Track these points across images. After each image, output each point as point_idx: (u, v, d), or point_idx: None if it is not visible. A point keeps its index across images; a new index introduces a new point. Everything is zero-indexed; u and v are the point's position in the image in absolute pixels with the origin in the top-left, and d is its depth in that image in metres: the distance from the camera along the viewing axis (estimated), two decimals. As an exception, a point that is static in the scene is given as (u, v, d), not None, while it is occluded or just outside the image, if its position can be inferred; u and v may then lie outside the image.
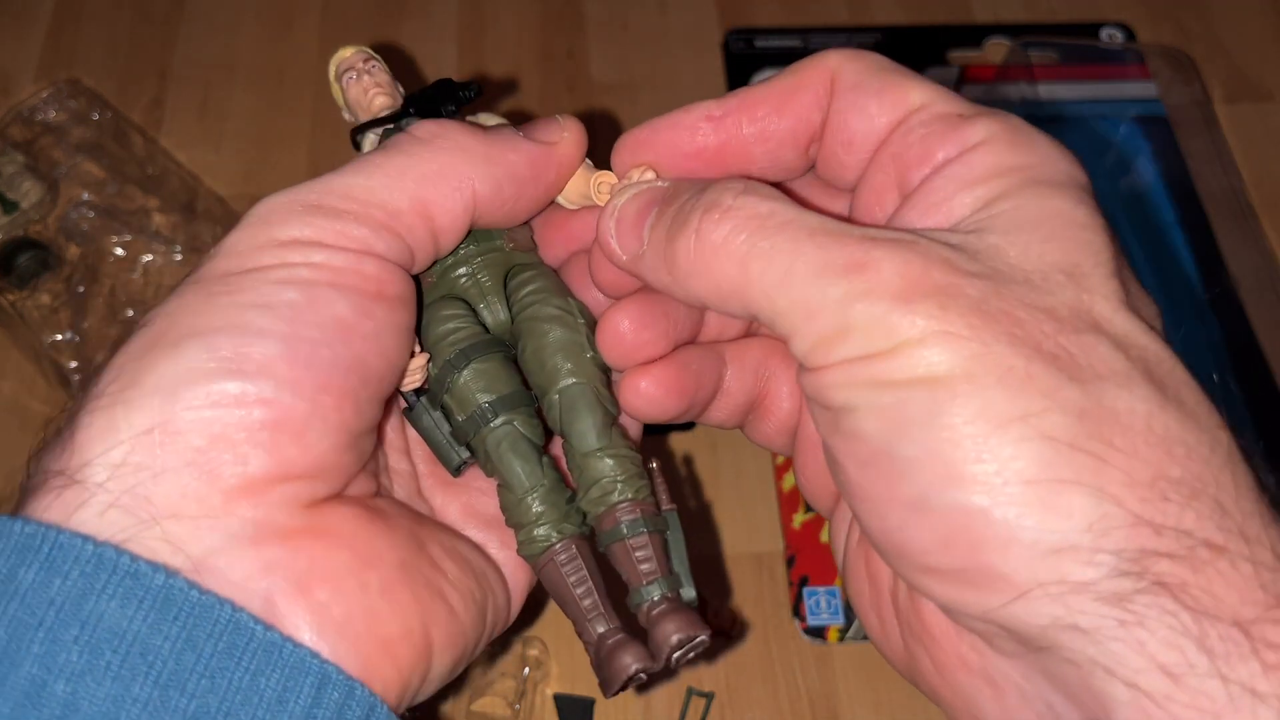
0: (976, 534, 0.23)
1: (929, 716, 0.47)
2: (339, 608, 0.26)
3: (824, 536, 0.51)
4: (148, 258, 0.55)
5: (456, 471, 0.33)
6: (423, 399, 0.32)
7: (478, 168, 0.30)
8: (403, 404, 0.33)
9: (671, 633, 0.29)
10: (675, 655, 0.29)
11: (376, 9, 0.68)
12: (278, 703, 0.25)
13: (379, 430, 0.31)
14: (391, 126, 0.33)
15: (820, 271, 0.25)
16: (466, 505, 0.34)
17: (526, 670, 0.47)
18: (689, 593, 0.30)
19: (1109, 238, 0.26)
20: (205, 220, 0.56)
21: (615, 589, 0.31)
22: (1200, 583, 0.22)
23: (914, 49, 0.65)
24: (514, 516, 0.31)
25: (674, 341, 0.31)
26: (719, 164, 0.30)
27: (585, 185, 0.32)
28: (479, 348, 0.31)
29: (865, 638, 0.48)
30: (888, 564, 0.27)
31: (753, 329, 0.33)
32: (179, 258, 0.55)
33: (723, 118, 0.30)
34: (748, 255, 0.26)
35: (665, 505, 0.31)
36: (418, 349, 0.31)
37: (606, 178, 0.31)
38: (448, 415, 0.32)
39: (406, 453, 0.34)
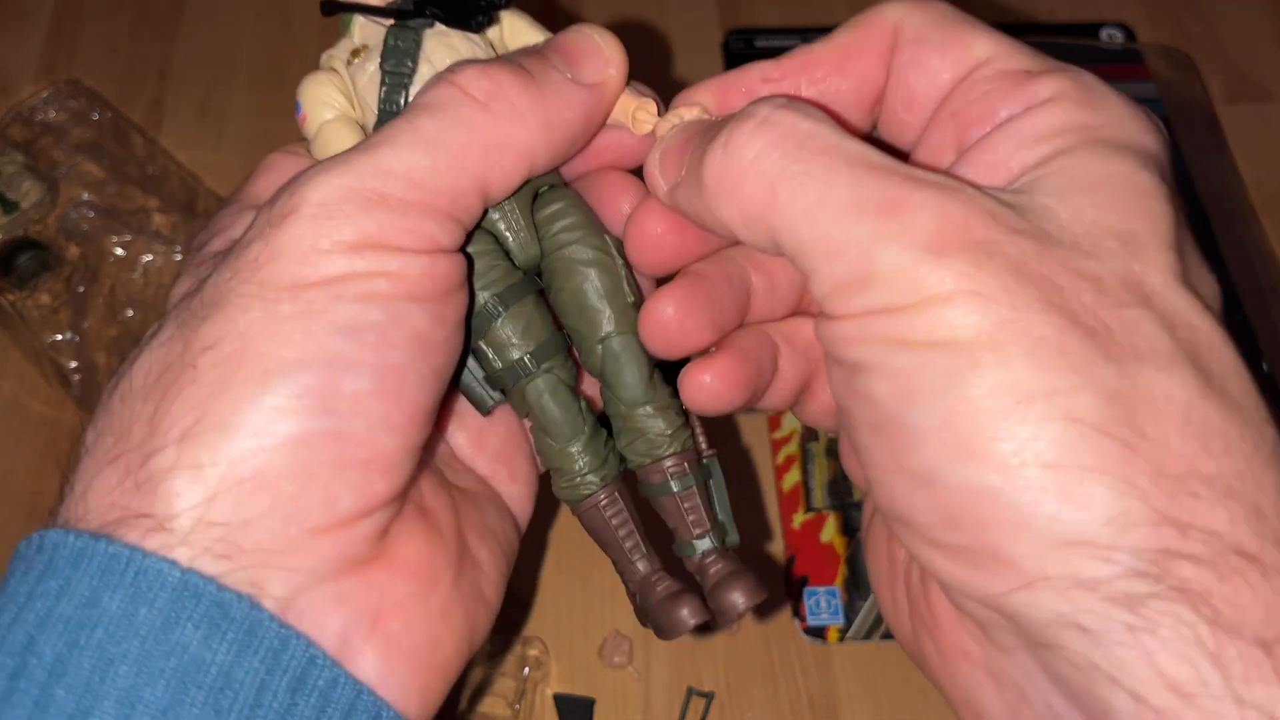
0: (986, 515, 0.22)
1: (929, 717, 0.47)
2: (408, 639, 0.26)
3: (824, 536, 0.51)
4: (148, 258, 0.55)
5: (488, 413, 0.32)
6: None
7: (538, 138, 0.28)
8: None
9: (739, 600, 0.30)
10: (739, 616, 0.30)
11: (376, 9, 0.67)
12: None
13: None
14: (381, 44, 0.30)
15: (852, 206, 0.23)
16: (475, 436, 0.33)
17: (526, 670, 0.47)
18: (733, 538, 0.31)
19: (1172, 207, 0.24)
20: (205, 220, 0.56)
21: (649, 522, 0.32)
22: (1225, 592, 0.20)
23: (914, 49, 0.65)
24: (554, 461, 0.31)
25: (721, 329, 0.30)
26: None
27: (624, 107, 0.30)
28: (513, 291, 0.30)
29: (865, 638, 0.48)
30: (895, 533, 0.25)
31: (801, 307, 0.31)
32: (179, 258, 0.55)
33: (780, 79, 0.28)
34: (778, 177, 0.24)
35: (706, 452, 0.32)
36: None
37: (647, 107, 0.30)
38: (480, 360, 0.31)
39: None
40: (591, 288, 0.30)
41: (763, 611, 0.49)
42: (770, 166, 0.24)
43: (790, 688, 0.47)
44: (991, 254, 0.22)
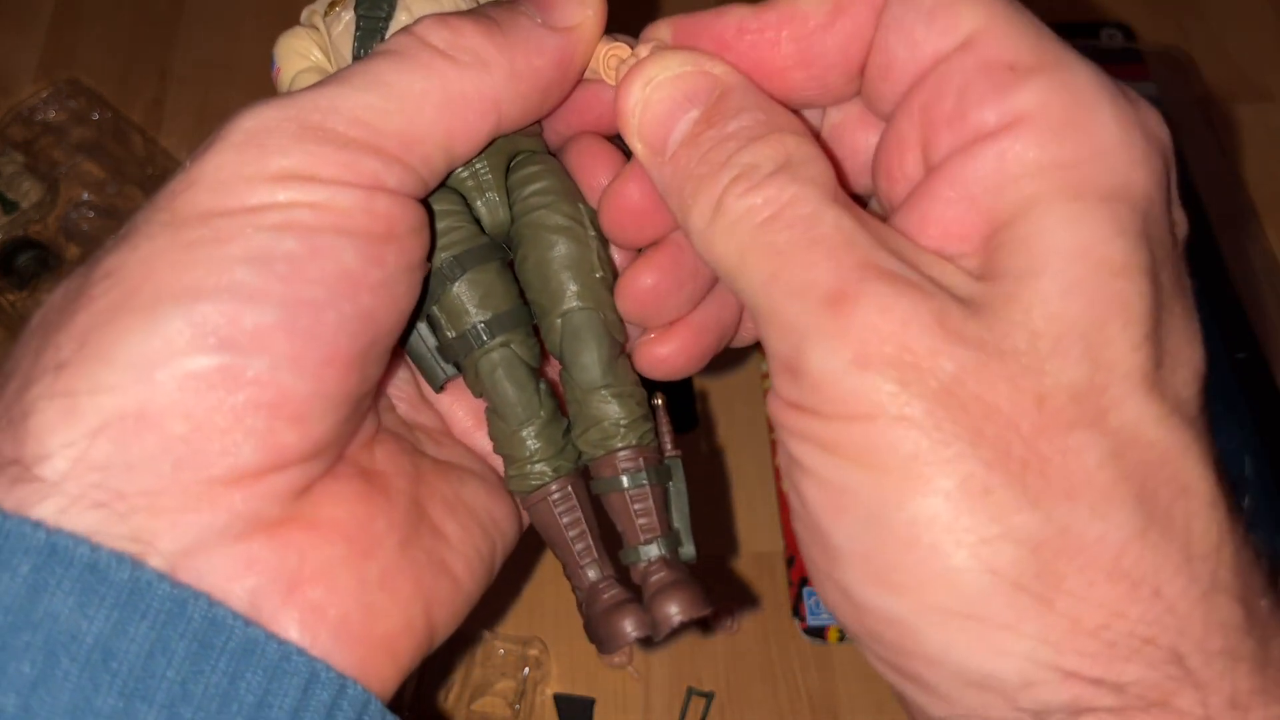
0: (905, 643, 0.21)
1: (929, 716, 0.47)
2: (335, 607, 0.24)
3: (824, 536, 0.51)
4: (148, 258, 0.55)
5: (439, 388, 0.29)
6: None
7: (504, 87, 0.25)
8: None
9: (674, 613, 0.27)
10: (675, 631, 0.28)
11: (376, 9, 0.67)
12: (258, 707, 0.22)
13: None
14: None
15: (800, 290, 0.22)
16: (480, 413, 0.30)
17: (526, 670, 0.47)
18: (688, 551, 0.29)
19: (1148, 282, 0.21)
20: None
21: (607, 527, 0.29)
22: None
23: (914, 49, 0.65)
24: (504, 447, 0.29)
25: (696, 301, 0.28)
26: (763, 78, 0.26)
27: (599, 57, 0.27)
28: (475, 254, 0.28)
29: (865, 638, 0.48)
30: None
31: None
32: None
33: (760, 31, 0.25)
34: (749, 245, 0.23)
35: (669, 451, 0.29)
36: None
37: (619, 51, 0.27)
38: (434, 328, 0.28)
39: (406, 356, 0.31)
40: (557, 257, 0.28)
41: (763, 612, 0.49)
42: (746, 233, 0.23)
43: (790, 688, 0.47)
44: (923, 371, 0.20)
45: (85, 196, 0.56)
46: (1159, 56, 0.64)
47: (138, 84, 0.64)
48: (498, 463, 0.30)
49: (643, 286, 0.27)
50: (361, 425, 0.27)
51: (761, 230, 0.23)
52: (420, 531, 0.26)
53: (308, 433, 0.23)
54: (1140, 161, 0.22)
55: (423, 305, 0.28)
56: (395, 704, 0.25)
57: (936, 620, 0.21)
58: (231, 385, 0.22)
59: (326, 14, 0.29)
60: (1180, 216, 0.24)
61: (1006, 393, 0.20)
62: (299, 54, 0.29)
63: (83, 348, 0.22)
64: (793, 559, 0.50)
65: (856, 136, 0.28)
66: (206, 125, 0.62)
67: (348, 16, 0.28)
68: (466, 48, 0.25)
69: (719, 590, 0.50)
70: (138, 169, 0.58)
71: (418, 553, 0.26)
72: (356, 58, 0.28)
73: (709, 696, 0.47)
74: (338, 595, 0.24)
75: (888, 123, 0.25)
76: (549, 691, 0.47)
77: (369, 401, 0.27)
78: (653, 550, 0.28)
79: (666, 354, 0.28)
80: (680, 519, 0.29)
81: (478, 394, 0.29)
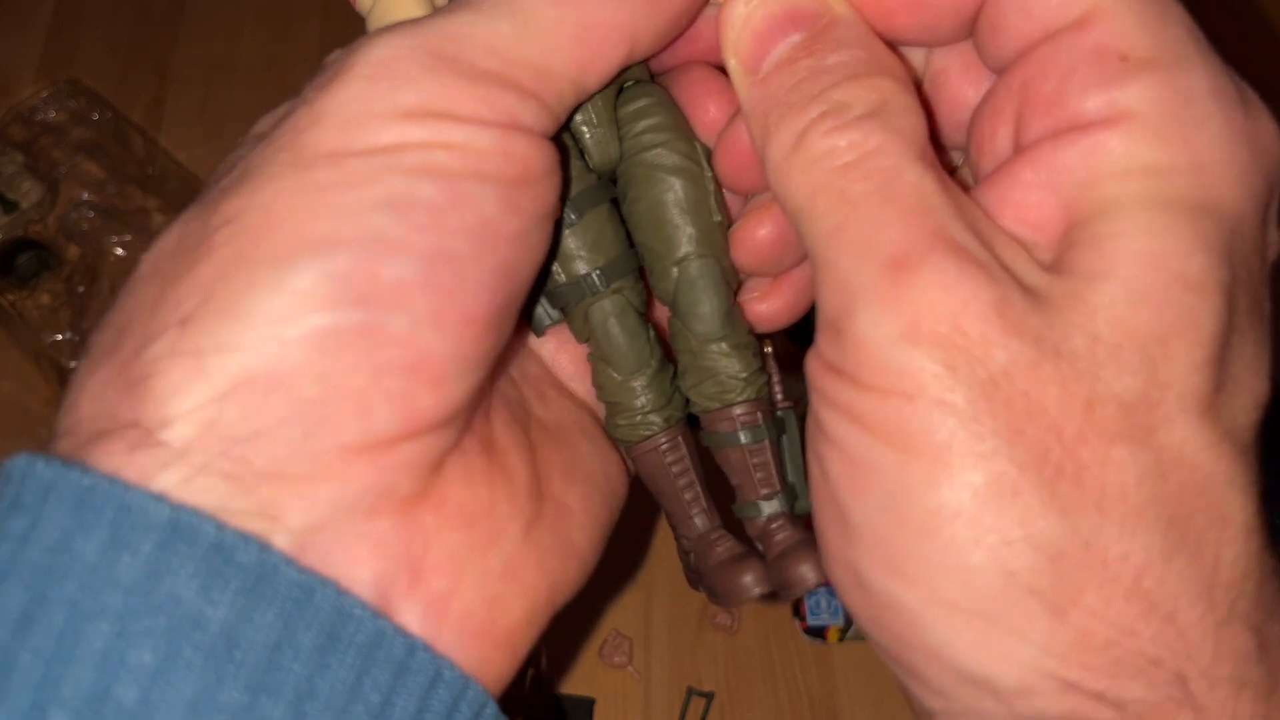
0: (904, 632, 0.21)
1: (929, 716, 0.47)
2: (459, 601, 0.22)
3: (824, 536, 0.51)
4: (148, 258, 0.55)
5: (541, 333, 0.28)
6: None
7: (640, 15, 0.24)
8: None
9: (809, 574, 0.26)
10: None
11: (376, 9, 0.68)
12: (382, 707, 0.20)
13: None
14: None
15: (864, 245, 0.21)
16: (582, 356, 0.29)
17: (527, 670, 0.47)
18: (804, 505, 0.28)
19: (1223, 302, 0.20)
20: (205, 220, 0.56)
21: (710, 475, 0.29)
22: None
23: (914, 49, 0.65)
24: (613, 395, 0.28)
25: (805, 254, 0.27)
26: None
27: None
28: (587, 197, 0.26)
29: (865, 637, 0.48)
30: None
31: None
32: (179, 258, 0.55)
33: None
34: (822, 187, 0.22)
35: (782, 404, 0.28)
36: None
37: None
38: (540, 272, 0.28)
39: None
40: (673, 199, 0.27)
41: (763, 612, 0.50)
42: (821, 174, 0.22)
43: (790, 688, 0.47)
44: (974, 359, 0.20)
45: (85, 196, 0.56)
46: (1159, 57, 0.64)
47: (138, 84, 0.64)
48: (599, 409, 0.29)
49: (759, 237, 0.26)
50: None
51: (838, 175, 0.22)
52: (544, 512, 0.25)
53: (446, 395, 0.22)
54: (1239, 178, 0.21)
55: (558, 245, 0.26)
56: (513, 693, 0.24)
57: (943, 614, 0.20)
58: (369, 344, 0.20)
59: None
60: (1275, 238, 0.23)
61: (1055, 394, 0.20)
62: (403, 11, 0.27)
63: (207, 301, 0.20)
64: (793, 559, 0.50)
65: (961, 88, 0.26)
66: (206, 125, 0.63)
67: None
68: None
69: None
70: (138, 169, 0.58)
71: (543, 535, 0.25)
72: None
73: (709, 696, 0.47)
74: (462, 587, 0.22)
75: (990, 88, 0.24)
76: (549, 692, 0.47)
77: (497, 364, 0.25)
78: (773, 505, 0.27)
79: (769, 311, 0.27)
80: (795, 472, 0.28)
81: (583, 340, 0.28)
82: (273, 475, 0.20)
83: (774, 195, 0.23)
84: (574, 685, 0.47)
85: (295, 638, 0.19)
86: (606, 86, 0.25)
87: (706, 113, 0.27)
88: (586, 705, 0.47)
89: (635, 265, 0.27)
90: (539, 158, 0.23)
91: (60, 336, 0.52)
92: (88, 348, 0.22)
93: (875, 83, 0.23)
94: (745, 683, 0.48)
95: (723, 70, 0.26)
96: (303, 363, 0.20)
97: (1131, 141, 0.21)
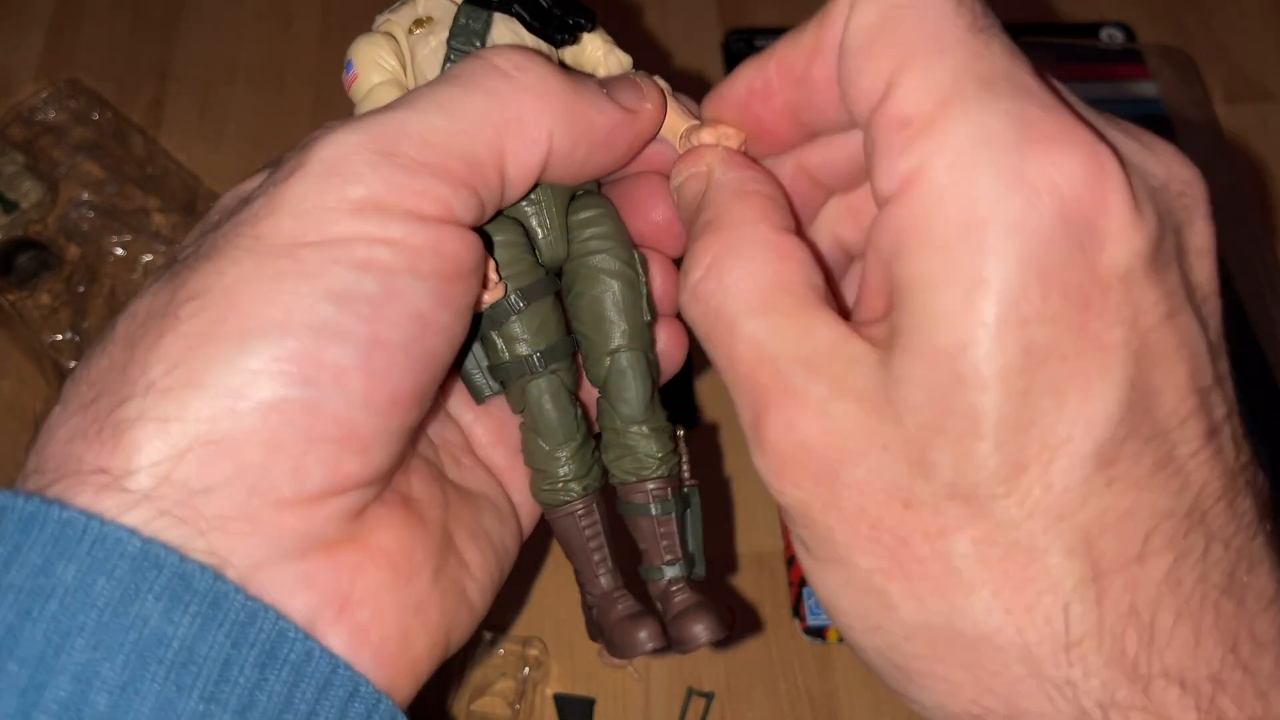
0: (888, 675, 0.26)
1: (929, 716, 0.47)
2: (377, 629, 0.25)
3: (824, 536, 0.51)
4: (148, 258, 0.55)
5: (481, 401, 0.32)
6: None
7: (560, 121, 0.27)
8: None
9: (701, 633, 0.30)
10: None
11: (377, 9, 0.67)
12: (308, 716, 0.23)
13: None
14: (451, 20, 0.29)
15: (737, 401, 0.25)
16: (496, 428, 0.32)
17: (526, 670, 0.47)
18: (700, 571, 0.32)
19: (1001, 389, 0.21)
20: (205, 220, 0.56)
21: (620, 539, 0.32)
22: None
23: (914, 49, 0.65)
24: (538, 462, 0.31)
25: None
26: (776, 134, 0.28)
27: (672, 126, 0.30)
28: (537, 288, 0.30)
29: (865, 638, 0.48)
30: None
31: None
32: (179, 258, 0.55)
33: (764, 88, 0.27)
34: (700, 333, 0.26)
35: (688, 481, 0.32)
36: (495, 277, 0.29)
37: (700, 136, 0.29)
38: (488, 348, 0.31)
39: None
40: (611, 299, 0.30)
41: (763, 612, 0.50)
42: (696, 320, 0.26)
43: (790, 688, 0.47)
44: (837, 484, 0.23)
45: (85, 196, 0.56)
46: (1159, 56, 0.64)
47: (138, 84, 0.64)
48: (512, 479, 0.32)
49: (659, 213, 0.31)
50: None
51: (705, 324, 0.26)
52: (449, 561, 0.28)
53: (370, 462, 0.25)
54: (1009, 239, 0.21)
55: (477, 328, 0.30)
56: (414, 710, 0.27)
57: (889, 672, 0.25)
58: (308, 418, 0.24)
59: (411, 30, 0.30)
60: (1124, 238, 0.21)
61: (882, 492, 0.22)
62: (379, 65, 0.30)
63: (172, 371, 0.23)
64: (793, 559, 0.50)
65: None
66: (206, 125, 0.63)
67: (435, 42, 0.29)
68: (532, 72, 0.27)
69: (719, 591, 0.50)
70: (138, 169, 0.58)
71: (447, 581, 0.28)
72: None
73: (709, 696, 0.47)
74: (381, 617, 0.25)
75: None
76: (549, 691, 0.47)
77: (419, 431, 0.29)
78: (674, 570, 0.31)
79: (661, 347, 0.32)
80: (695, 542, 0.32)
81: (518, 411, 0.31)
82: (220, 523, 0.23)
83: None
84: (574, 685, 0.47)
85: (241, 655, 0.22)
86: (558, 193, 0.31)
87: (655, 212, 0.31)
88: (586, 705, 0.47)
89: (571, 350, 0.31)
90: (467, 254, 0.26)
91: (60, 336, 0.52)
92: (61, 396, 0.25)
93: (709, 242, 0.26)
94: (745, 683, 0.47)
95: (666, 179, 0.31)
96: (251, 431, 0.23)
97: (912, 207, 0.21)
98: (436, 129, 0.25)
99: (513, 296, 0.29)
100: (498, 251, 0.29)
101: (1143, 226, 0.21)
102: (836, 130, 0.27)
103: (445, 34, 0.29)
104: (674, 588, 0.31)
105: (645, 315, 0.31)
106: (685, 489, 0.32)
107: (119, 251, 0.55)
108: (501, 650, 0.47)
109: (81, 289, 0.54)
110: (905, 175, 0.22)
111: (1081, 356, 0.21)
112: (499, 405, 0.32)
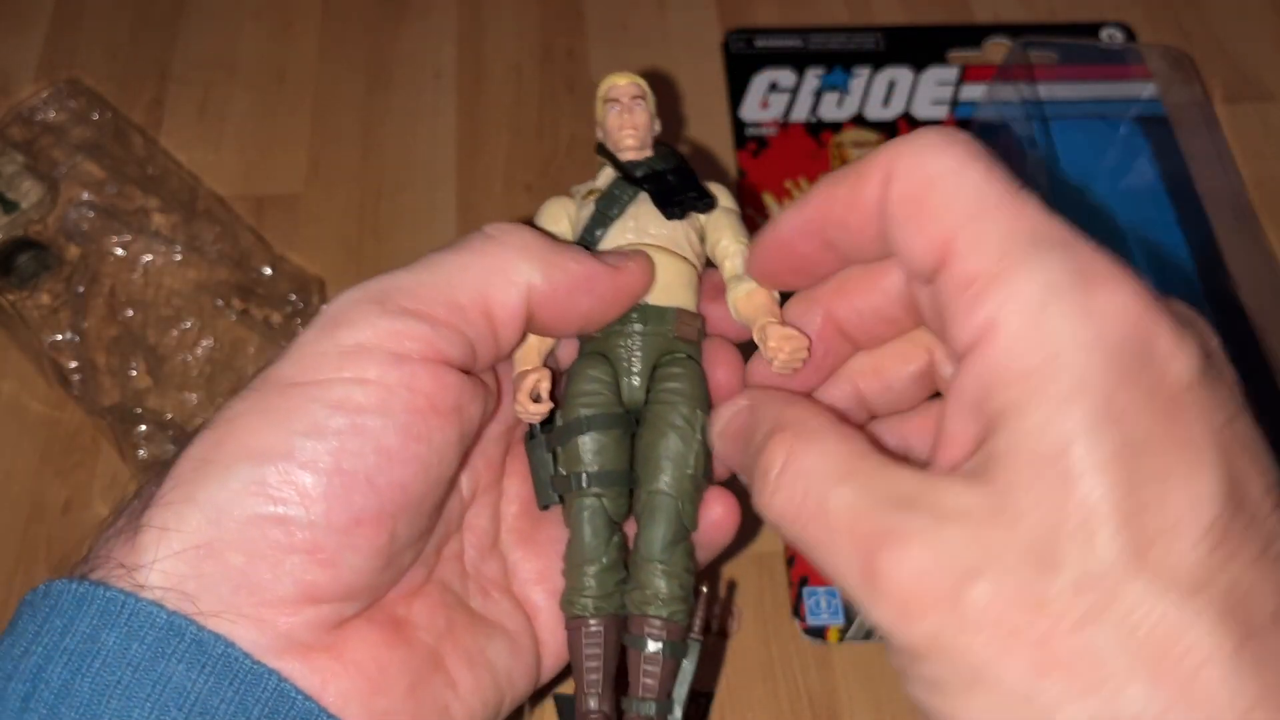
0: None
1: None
2: None
3: (824, 536, 0.50)
4: (148, 258, 0.55)
5: (544, 508, 0.36)
6: (544, 433, 0.35)
7: (536, 267, 0.31)
8: (527, 429, 0.36)
9: None
10: None
11: (377, 9, 0.67)
12: None
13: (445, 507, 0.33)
14: (605, 188, 0.35)
15: (842, 572, 0.25)
16: (542, 568, 0.36)
17: (526, 670, 0.47)
18: (675, 716, 0.34)
19: (1101, 479, 0.22)
20: (205, 220, 0.56)
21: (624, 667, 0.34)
22: None
23: (914, 49, 0.65)
24: (569, 573, 0.35)
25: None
26: (814, 263, 0.31)
27: (761, 308, 0.33)
28: (603, 420, 0.34)
29: (866, 638, 0.48)
30: None
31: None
32: (179, 258, 0.55)
33: (804, 230, 0.30)
34: (788, 521, 0.27)
35: (694, 633, 0.34)
36: (544, 392, 0.33)
37: (775, 333, 0.32)
38: (555, 461, 0.35)
39: (496, 505, 0.36)
40: (664, 446, 0.34)
41: (763, 612, 0.49)
42: (782, 513, 0.27)
43: (790, 688, 0.47)
44: (960, 607, 0.23)
45: (85, 196, 0.56)
46: (1159, 56, 0.64)
47: (138, 84, 0.64)
48: (544, 620, 0.36)
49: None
50: (402, 577, 0.32)
51: (792, 513, 0.27)
52: (432, 679, 0.31)
53: (338, 576, 0.29)
54: (1088, 357, 0.23)
55: (552, 435, 0.34)
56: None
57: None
58: (281, 531, 0.28)
59: (586, 196, 0.36)
60: (1181, 354, 0.24)
61: (1012, 599, 0.22)
62: (551, 219, 0.36)
63: (176, 488, 0.28)
64: (793, 559, 0.50)
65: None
66: (206, 125, 0.63)
67: (590, 205, 0.35)
68: (514, 233, 0.32)
69: (719, 593, 0.50)
70: (138, 169, 0.58)
71: (423, 698, 0.31)
72: (583, 234, 0.35)
73: (709, 696, 0.47)
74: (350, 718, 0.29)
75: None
76: (549, 692, 0.47)
77: (410, 557, 0.32)
78: (646, 708, 0.33)
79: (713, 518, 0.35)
80: (679, 690, 0.34)
81: (568, 524, 0.35)
82: (210, 615, 0.27)
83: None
84: (573, 685, 0.47)
85: (249, 709, 0.27)
86: (651, 348, 0.35)
87: (717, 372, 0.35)
88: (586, 705, 0.47)
89: (626, 483, 0.34)
90: (445, 391, 0.30)
91: (60, 336, 0.52)
92: (118, 507, 0.30)
93: (779, 440, 0.28)
94: (745, 683, 0.47)
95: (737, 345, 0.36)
96: (234, 540, 0.28)
97: (996, 353, 0.24)
98: (423, 281, 0.30)
99: (584, 419, 0.34)
100: (582, 383, 0.34)
101: (1192, 346, 0.24)
102: (872, 259, 0.29)
103: (596, 200, 0.35)
104: None
105: (690, 469, 0.34)
106: (688, 639, 0.34)
107: (119, 251, 0.55)
108: None
109: (81, 289, 0.53)
110: (981, 326, 0.24)
111: (1175, 448, 0.23)
112: (553, 549, 0.36)
